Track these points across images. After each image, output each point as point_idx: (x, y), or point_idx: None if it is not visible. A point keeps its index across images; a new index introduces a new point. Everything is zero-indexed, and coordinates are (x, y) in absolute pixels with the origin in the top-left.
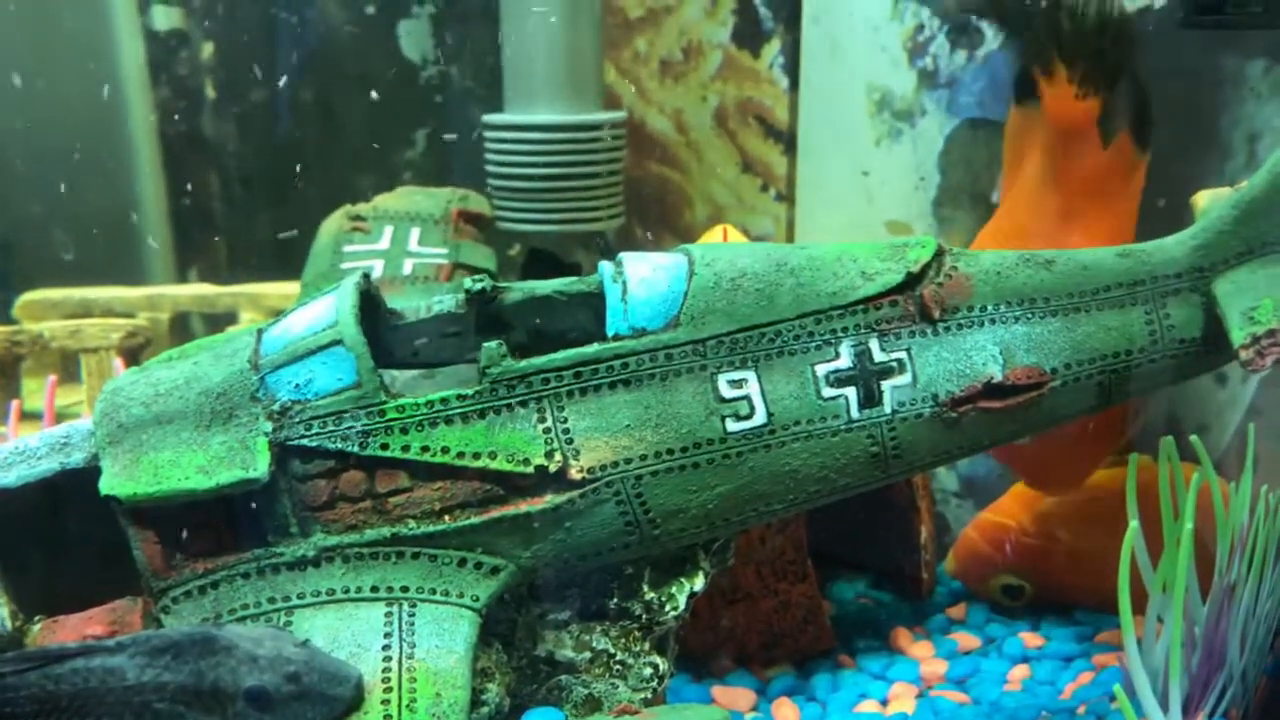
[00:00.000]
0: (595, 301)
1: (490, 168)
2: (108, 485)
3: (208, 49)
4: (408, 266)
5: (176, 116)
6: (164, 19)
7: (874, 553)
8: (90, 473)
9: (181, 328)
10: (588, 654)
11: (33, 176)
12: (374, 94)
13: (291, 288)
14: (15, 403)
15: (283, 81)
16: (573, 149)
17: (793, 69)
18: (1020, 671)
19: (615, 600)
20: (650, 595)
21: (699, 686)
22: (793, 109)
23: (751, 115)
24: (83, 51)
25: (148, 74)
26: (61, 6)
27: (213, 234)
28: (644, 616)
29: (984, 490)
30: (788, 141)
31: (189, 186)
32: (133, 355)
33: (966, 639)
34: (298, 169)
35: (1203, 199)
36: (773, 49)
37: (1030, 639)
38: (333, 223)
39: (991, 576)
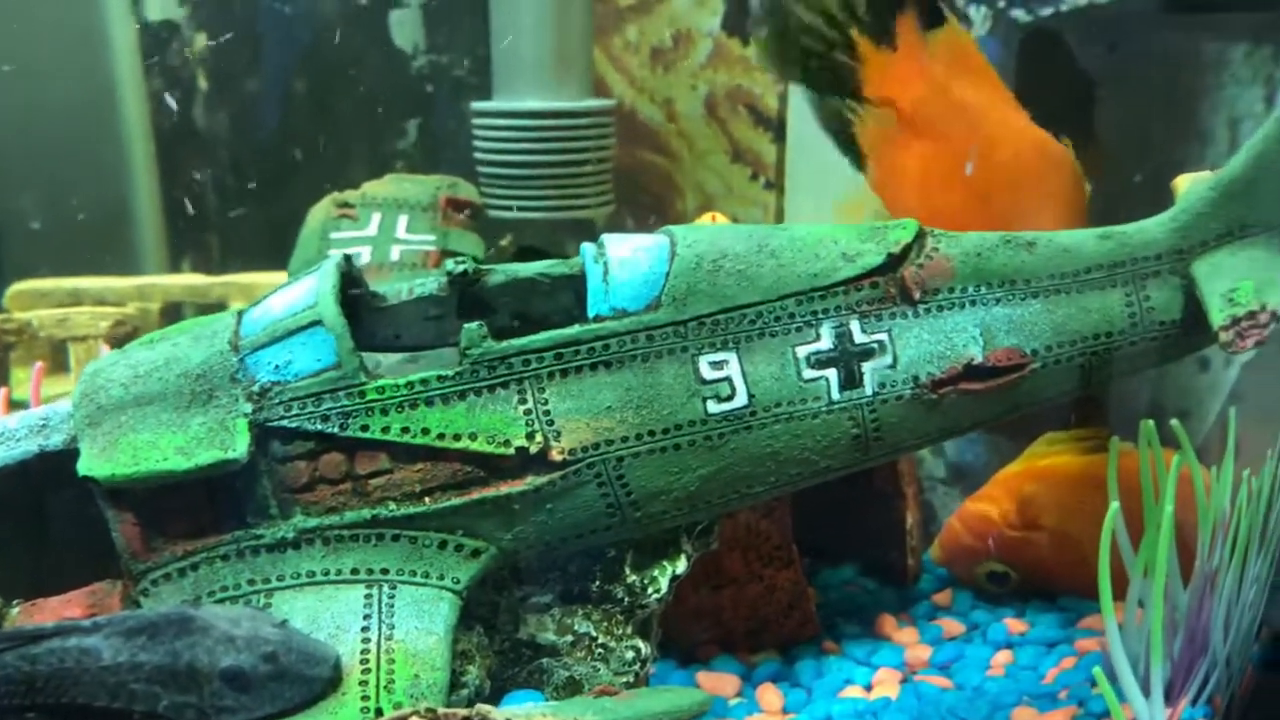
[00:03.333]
0: (578, 284)
1: (479, 155)
2: (86, 466)
3: (200, 39)
4: (395, 253)
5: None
6: (156, 8)
7: (860, 540)
8: (70, 455)
9: (172, 318)
10: (569, 637)
11: (25, 166)
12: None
13: (283, 278)
14: (2, 390)
15: (275, 71)
16: (561, 136)
17: None
18: (1003, 657)
19: (597, 583)
20: (632, 578)
21: (684, 672)
22: (782, 97)
23: (741, 103)
24: (75, 40)
25: (140, 64)
26: None
27: (205, 225)
28: (626, 600)
29: (971, 477)
30: (777, 129)
31: (181, 177)
32: (121, 344)
33: (951, 625)
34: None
35: (1183, 183)
36: None
37: (1015, 625)
38: (320, 210)
39: (976, 565)
